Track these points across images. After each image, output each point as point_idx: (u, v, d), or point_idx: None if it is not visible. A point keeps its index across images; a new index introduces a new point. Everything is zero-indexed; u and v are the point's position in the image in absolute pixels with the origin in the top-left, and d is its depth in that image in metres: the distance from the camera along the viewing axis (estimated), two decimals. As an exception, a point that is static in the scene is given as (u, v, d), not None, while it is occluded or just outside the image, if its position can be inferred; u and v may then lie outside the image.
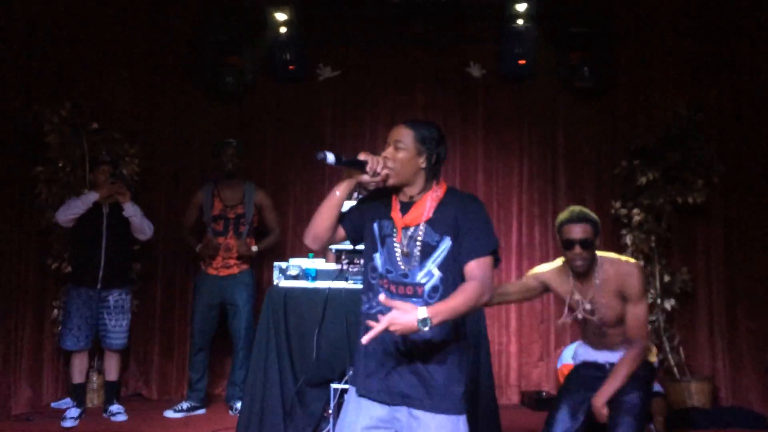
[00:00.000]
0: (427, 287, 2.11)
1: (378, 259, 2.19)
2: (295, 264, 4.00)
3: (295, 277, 3.96)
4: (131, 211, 4.42)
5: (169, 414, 4.48)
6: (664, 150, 4.79)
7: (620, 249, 4.91)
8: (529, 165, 5.31)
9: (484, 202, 5.22)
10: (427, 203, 2.15)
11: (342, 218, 2.24)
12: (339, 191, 2.17)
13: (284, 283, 3.95)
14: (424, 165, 2.16)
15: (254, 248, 4.61)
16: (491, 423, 3.73)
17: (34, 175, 4.68)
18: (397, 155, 2.14)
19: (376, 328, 1.91)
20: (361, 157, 2.12)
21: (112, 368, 4.50)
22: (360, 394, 2.16)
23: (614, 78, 5.16)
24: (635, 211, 4.79)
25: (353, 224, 2.26)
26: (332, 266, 4.00)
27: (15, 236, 4.80)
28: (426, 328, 1.88)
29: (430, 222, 2.13)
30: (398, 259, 2.15)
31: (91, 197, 4.35)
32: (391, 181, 2.15)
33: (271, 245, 4.75)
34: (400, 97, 5.40)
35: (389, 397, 2.12)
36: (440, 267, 2.11)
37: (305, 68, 5.30)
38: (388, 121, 5.30)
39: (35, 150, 4.71)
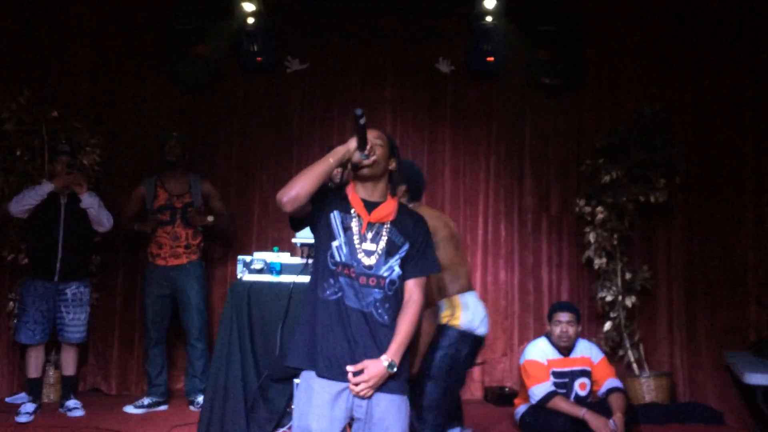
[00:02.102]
0: (388, 280, 2.26)
1: (336, 249, 2.25)
2: (260, 258, 3.96)
3: (260, 271, 3.92)
4: (88, 202, 4.31)
5: (129, 410, 4.41)
6: (628, 149, 4.84)
7: (583, 246, 4.99)
8: (496, 161, 5.32)
9: (452, 199, 5.27)
10: (392, 206, 2.32)
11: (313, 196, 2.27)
12: (333, 159, 2.21)
13: (248, 277, 3.91)
14: (392, 167, 2.36)
15: (210, 218, 4.60)
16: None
17: (-10, 163, 4.56)
18: (378, 150, 2.29)
19: (359, 389, 2.16)
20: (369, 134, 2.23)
21: (69, 362, 4.40)
22: (321, 375, 2.21)
23: (581, 76, 5.20)
24: (599, 209, 4.84)
25: (318, 207, 2.29)
26: (297, 260, 3.97)
27: (-31, 227, 4.67)
28: (395, 369, 2.17)
29: (394, 223, 2.30)
30: (359, 251, 2.25)
31: (46, 188, 4.24)
32: (370, 171, 2.27)
33: (223, 223, 4.78)
34: (369, 91, 5.37)
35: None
36: (400, 264, 2.28)
37: (273, 60, 5.24)
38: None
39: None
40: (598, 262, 4.86)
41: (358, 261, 2.24)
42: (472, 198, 5.30)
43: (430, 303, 2.78)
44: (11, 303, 4.66)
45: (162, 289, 4.51)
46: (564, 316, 3.82)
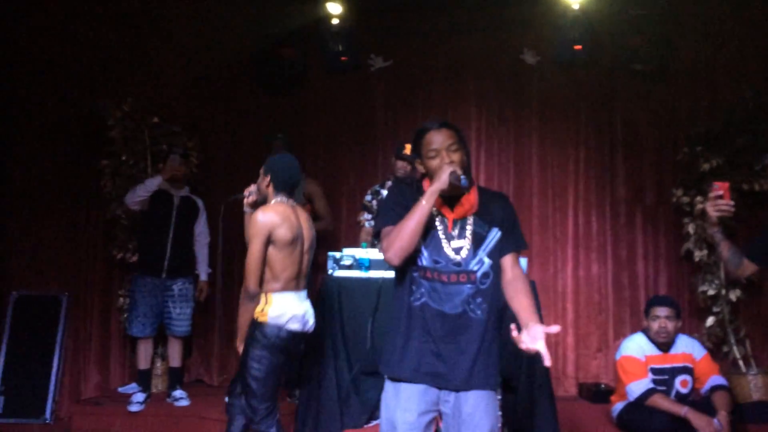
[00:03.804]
0: (479, 273, 2.22)
1: (419, 252, 2.23)
2: (349, 254, 4.04)
3: (349, 267, 4.00)
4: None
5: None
6: (729, 134, 4.60)
7: (682, 238, 4.78)
8: (585, 152, 5.19)
9: (540, 192, 5.18)
10: (474, 196, 2.26)
11: (396, 221, 2.23)
12: (428, 204, 2.16)
13: (338, 273, 3.99)
14: (466, 161, 2.30)
15: None
16: (547, 414, 3.70)
17: (100, 168, 4.86)
18: (455, 158, 2.23)
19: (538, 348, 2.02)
20: (458, 172, 2.16)
21: (175, 355, 4.64)
22: (408, 381, 2.22)
23: (675, 61, 4.98)
24: (698, 198, 4.62)
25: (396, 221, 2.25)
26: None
27: (82, 228, 5.03)
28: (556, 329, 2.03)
29: (477, 213, 2.26)
30: (446, 249, 2.22)
31: (155, 181, 4.49)
32: (470, 187, 2.22)
33: (318, 229, 4.79)
34: (453, 85, 5.36)
35: (440, 383, 2.21)
36: (489, 255, 2.24)
37: (357, 59, 5.32)
38: (440, 111, 5.28)
39: (100, 144, 4.89)
40: (699, 255, 4.64)
41: (447, 260, 2.21)
42: (561, 190, 5.19)
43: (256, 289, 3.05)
44: (121, 299, 4.95)
45: None
46: (662, 311, 3.68)
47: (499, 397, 3.62)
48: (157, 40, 5.28)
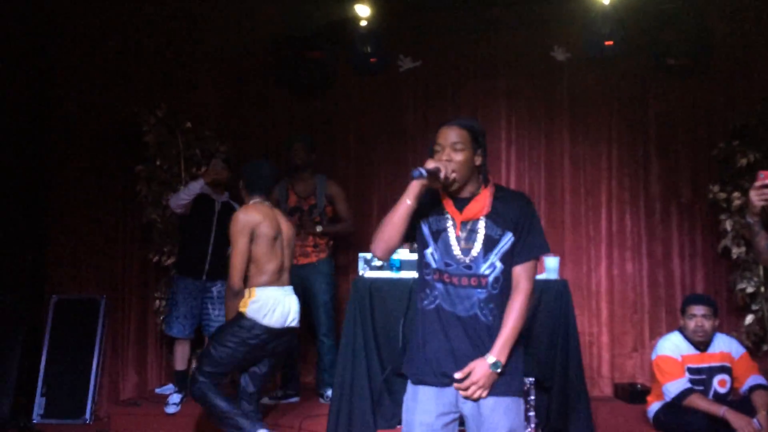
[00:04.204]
0: (491, 278, 2.19)
1: (431, 255, 2.23)
2: (379, 255, 4.04)
3: (380, 268, 4.02)
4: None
5: (264, 401, 4.62)
6: (766, 128, 4.49)
7: (719, 235, 4.69)
8: (618, 149, 5.11)
9: (572, 190, 5.13)
10: (486, 198, 2.22)
11: None
12: (410, 199, 2.17)
13: (369, 274, 4.01)
14: (479, 162, 2.25)
15: (318, 228, 4.67)
16: (581, 414, 3.66)
17: (135, 173, 4.95)
18: (456, 157, 2.19)
19: (470, 393, 2.13)
20: (431, 165, 2.15)
21: None
22: (428, 384, 2.21)
23: (709, 54, 4.88)
24: (735, 194, 4.52)
25: (412, 226, 2.25)
26: (416, 256, 4.01)
27: (119, 232, 5.14)
28: (499, 369, 2.12)
29: (489, 216, 2.21)
30: (456, 252, 2.19)
31: (197, 184, 4.53)
32: (456, 186, 2.20)
33: (338, 231, 4.83)
34: (482, 84, 5.33)
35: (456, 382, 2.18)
36: (502, 259, 2.19)
37: (386, 60, 5.32)
38: (470, 110, 5.26)
39: (135, 149, 4.99)
40: (737, 252, 4.54)
41: (457, 262, 2.18)
42: (594, 188, 5.12)
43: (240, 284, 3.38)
44: (157, 301, 5.04)
45: (294, 286, 4.70)
46: (699, 309, 3.61)
47: (533, 397, 3.60)
48: (188, 46, 5.37)
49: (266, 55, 5.46)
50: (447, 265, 2.20)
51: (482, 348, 2.16)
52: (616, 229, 5.05)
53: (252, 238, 3.38)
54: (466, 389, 2.12)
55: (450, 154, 2.20)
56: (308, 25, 5.26)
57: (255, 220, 3.38)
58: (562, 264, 4.83)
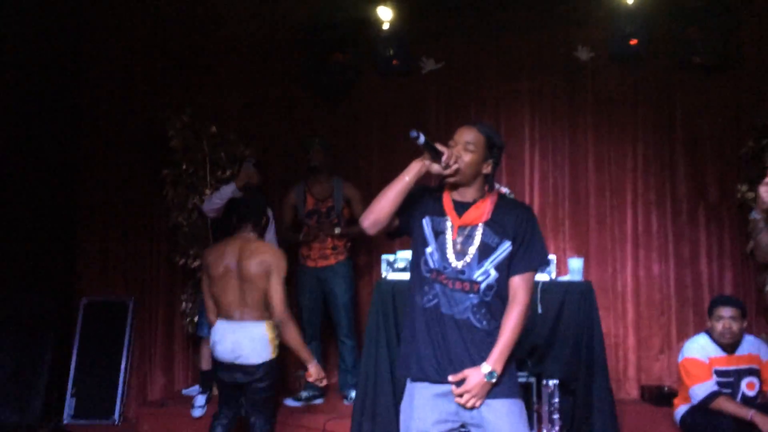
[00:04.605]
0: (483, 285, 2.18)
1: (429, 255, 2.22)
2: (402, 257, 4.06)
3: (403, 270, 4.02)
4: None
5: (289, 402, 4.67)
6: (795, 126, 4.42)
7: (747, 236, 4.60)
8: (643, 149, 5.06)
9: (597, 191, 5.06)
10: (486, 206, 2.23)
11: (399, 209, 2.25)
12: (408, 176, 2.20)
13: (392, 276, 4.02)
14: (487, 171, 2.26)
15: (337, 230, 4.68)
16: (607, 417, 3.63)
17: (162, 177, 5.04)
18: (465, 156, 2.21)
19: (464, 401, 2.11)
20: (439, 146, 2.18)
21: None
22: (421, 379, 2.21)
23: (736, 51, 4.80)
24: (766, 196, 4.43)
25: (408, 217, 2.28)
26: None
27: (146, 235, 5.24)
28: (494, 378, 2.11)
29: (488, 224, 2.21)
30: (449, 256, 2.19)
31: (229, 188, 4.56)
32: (455, 178, 2.22)
33: (356, 233, 4.80)
34: (505, 85, 5.31)
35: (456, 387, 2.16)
36: (497, 267, 2.19)
37: (408, 62, 5.32)
38: (493, 111, 5.26)
39: (162, 153, 5.07)
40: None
41: (450, 266, 2.18)
42: (619, 188, 5.07)
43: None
44: (183, 303, 5.11)
45: (313, 289, 4.72)
46: (726, 311, 3.55)
47: (556, 399, 3.58)
48: (212, 49, 5.43)
49: (290, 57, 5.51)
50: (444, 267, 2.20)
51: (474, 353, 2.15)
52: (642, 230, 5.00)
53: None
54: (460, 396, 2.12)
55: (460, 151, 2.21)
56: (332, 28, 5.29)
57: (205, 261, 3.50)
58: (587, 265, 4.79)
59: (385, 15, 5.11)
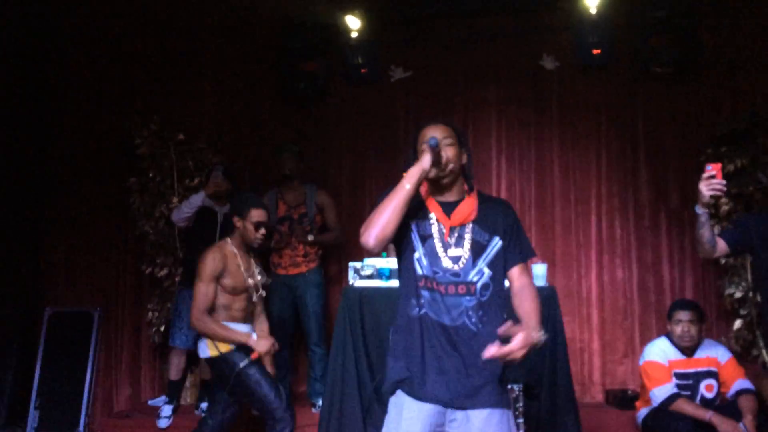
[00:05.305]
0: (479, 285, 2.11)
1: (417, 261, 2.14)
2: (370, 264, 4.07)
3: (370, 277, 4.04)
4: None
5: (256, 412, 4.65)
6: (753, 134, 4.53)
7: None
8: (607, 156, 5.15)
9: (562, 197, 5.11)
10: (473, 203, 2.17)
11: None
12: (409, 184, 2.07)
13: (359, 283, 4.03)
14: (464, 161, 2.22)
15: (309, 237, 4.68)
16: (571, 421, 3.67)
17: (128, 185, 4.99)
18: (449, 152, 2.15)
19: (510, 349, 1.89)
20: (430, 151, 2.10)
21: (208, 368, 4.71)
22: (414, 398, 2.10)
23: (696, 61, 4.92)
24: (723, 200, 4.55)
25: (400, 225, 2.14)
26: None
27: (112, 244, 5.17)
28: (543, 339, 1.99)
29: (477, 221, 2.15)
30: (443, 259, 2.11)
31: (198, 198, 4.55)
32: (448, 179, 2.16)
33: (328, 241, 4.84)
34: (473, 93, 5.38)
35: (445, 400, 2.08)
36: (489, 265, 2.13)
37: (377, 70, 5.36)
38: (461, 118, 5.30)
39: (129, 161, 5.04)
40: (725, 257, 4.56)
41: (444, 270, 2.09)
42: (584, 195, 5.15)
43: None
44: (150, 313, 5.05)
45: (284, 296, 4.71)
46: (685, 315, 3.64)
47: (521, 404, 3.62)
48: (181, 57, 5.41)
49: (261, 65, 5.51)
50: (434, 272, 2.11)
51: (470, 360, 2.05)
52: (606, 236, 5.08)
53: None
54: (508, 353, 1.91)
55: (442, 148, 2.13)
56: (302, 36, 5.30)
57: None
58: (552, 271, 4.88)
59: (354, 24, 5.14)
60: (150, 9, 5.26)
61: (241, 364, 3.43)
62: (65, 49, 5.28)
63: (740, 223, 3.19)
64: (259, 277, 3.67)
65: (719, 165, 2.75)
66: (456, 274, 2.10)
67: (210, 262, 3.44)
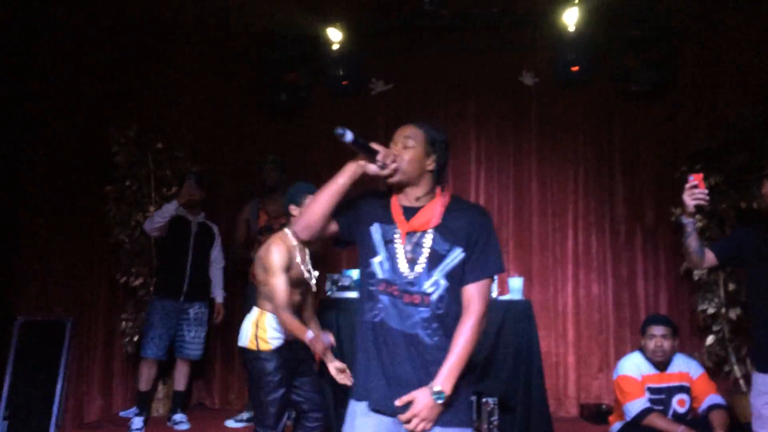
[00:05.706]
0: (434, 297, 2.00)
1: (378, 265, 2.04)
2: (347, 274, 4.07)
3: (347, 288, 4.03)
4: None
5: (230, 423, 4.61)
6: (727, 153, 4.61)
7: (681, 257, 4.77)
8: (584, 172, 5.22)
9: (540, 212, 5.13)
10: (436, 209, 2.05)
11: (336, 213, 2.09)
12: (342, 178, 2.04)
13: (336, 294, 4.02)
14: (431, 167, 2.08)
15: None
16: (544, 435, 3.68)
17: (105, 193, 4.94)
18: (405, 154, 2.06)
19: (412, 426, 1.92)
20: (374, 145, 2.03)
21: (182, 378, 4.67)
22: (370, 408, 2.03)
23: (673, 80, 5.02)
24: (697, 216, 4.59)
25: (348, 222, 2.11)
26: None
27: (87, 252, 5.10)
28: (442, 399, 1.92)
29: (438, 229, 2.03)
30: (401, 266, 2.02)
31: (171, 207, 4.52)
32: (396, 178, 2.05)
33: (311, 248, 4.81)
34: (453, 107, 5.43)
35: (397, 411, 1.99)
36: (447, 276, 2.01)
37: (359, 83, 5.40)
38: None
39: (105, 170, 4.98)
40: (698, 273, 4.62)
41: (401, 277, 2.00)
42: (561, 210, 5.20)
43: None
44: (123, 323, 4.98)
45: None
46: (658, 330, 3.67)
47: (496, 417, 3.63)
48: (161, 66, 5.39)
49: (242, 76, 5.51)
50: (393, 278, 2.02)
51: (423, 372, 1.97)
52: (582, 251, 5.13)
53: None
54: (408, 421, 1.92)
55: (400, 149, 2.06)
56: (284, 47, 5.31)
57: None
58: (529, 285, 4.90)
59: (335, 36, 5.16)
60: (129, 17, 5.24)
61: (268, 371, 3.19)
62: (42, 56, 5.21)
63: (732, 235, 3.25)
64: (313, 271, 3.46)
65: (701, 175, 2.79)
66: (411, 283, 2.00)
67: (278, 255, 3.16)
